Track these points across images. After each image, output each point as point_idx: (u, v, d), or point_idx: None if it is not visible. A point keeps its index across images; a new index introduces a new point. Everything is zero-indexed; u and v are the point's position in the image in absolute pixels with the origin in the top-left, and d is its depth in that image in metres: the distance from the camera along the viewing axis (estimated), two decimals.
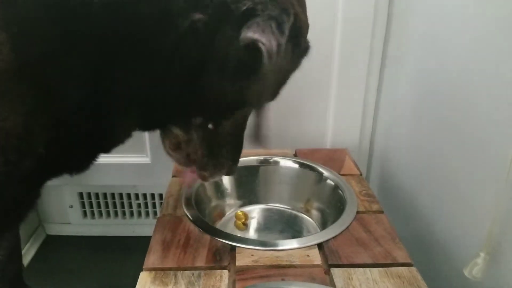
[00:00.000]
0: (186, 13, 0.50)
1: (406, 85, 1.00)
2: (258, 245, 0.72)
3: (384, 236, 0.75)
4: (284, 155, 1.01)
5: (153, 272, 0.67)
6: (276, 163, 1.00)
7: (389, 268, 0.67)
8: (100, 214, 1.35)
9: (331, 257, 0.69)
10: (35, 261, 1.26)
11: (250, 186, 0.98)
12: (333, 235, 0.75)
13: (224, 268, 0.67)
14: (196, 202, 0.85)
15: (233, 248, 0.72)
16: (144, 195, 1.32)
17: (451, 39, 0.78)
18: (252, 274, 0.66)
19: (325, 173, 0.95)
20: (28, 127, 0.47)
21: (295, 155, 1.04)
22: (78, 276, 1.19)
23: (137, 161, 1.20)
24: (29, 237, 1.29)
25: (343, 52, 1.08)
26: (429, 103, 0.87)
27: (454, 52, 0.77)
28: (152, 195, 1.32)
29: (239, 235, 0.81)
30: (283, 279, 0.65)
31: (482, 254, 0.62)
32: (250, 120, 0.63)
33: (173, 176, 0.95)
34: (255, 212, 0.96)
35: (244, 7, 0.50)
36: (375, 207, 0.83)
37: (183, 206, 0.83)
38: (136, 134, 0.65)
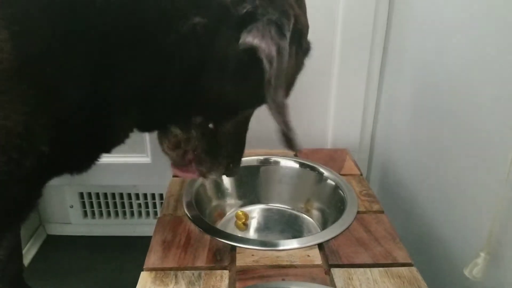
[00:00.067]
0: (186, 16, 0.51)
1: (406, 85, 0.99)
2: (258, 245, 0.72)
3: (384, 236, 0.75)
4: (284, 155, 1.01)
5: (154, 272, 0.67)
6: (277, 163, 1.00)
7: (390, 268, 0.67)
8: (101, 214, 1.35)
9: (332, 257, 0.69)
10: (35, 261, 1.26)
11: (251, 186, 0.98)
12: (334, 235, 0.75)
13: (224, 268, 0.67)
14: (196, 202, 0.85)
15: (233, 248, 0.72)
16: (145, 195, 1.32)
17: (451, 39, 0.78)
18: (252, 274, 0.66)
19: (326, 173, 0.95)
20: (29, 126, 0.47)
21: (295, 155, 1.04)
22: (79, 276, 1.19)
23: (137, 161, 1.20)
24: (29, 237, 1.29)
25: (343, 52, 1.08)
26: (430, 103, 0.87)
27: (454, 52, 0.77)
28: (153, 195, 1.32)
29: (239, 235, 0.82)
30: (283, 279, 0.65)
31: (482, 254, 0.62)
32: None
33: (173, 176, 0.95)
34: (255, 212, 0.96)
35: (244, 10, 0.51)
36: (375, 207, 0.83)
37: (184, 206, 0.83)
38: (137, 134, 0.65)
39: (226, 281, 0.65)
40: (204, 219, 0.80)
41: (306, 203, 0.95)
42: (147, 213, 1.35)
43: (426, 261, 0.83)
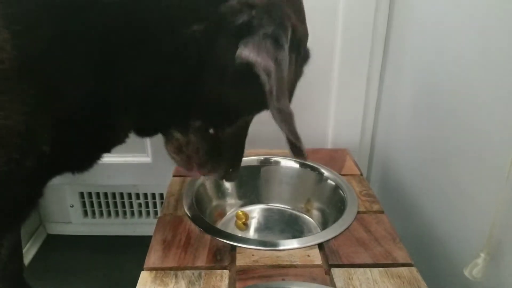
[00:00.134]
0: (186, 23, 0.52)
1: (406, 85, 1.00)
2: (258, 245, 0.72)
3: (384, 236, 0.75)
4: (284, 155, 1.01)
5: (154, 271, 0.67)
6: (277, 163, 1.00)
7: (390, 268, 0.67)
8: (101, 213, 1.35)
9: (332, 257, 0.69)
10: (36, 260, 1.26)
11: (251, 186, 0.98)
12: (334, 235, 0.75)
13: (224, 268, 0.67)
14: (196, 201, 0.85)
15: (233, 248, 0.72)
16: (145, 195, 1.32)
17: (451, 39, 0.78)
18: (252, 274, 0.66)
19: (326, 173, 0.95)
20: (29, 126, 0.47)
21: None
22: (79, 276, 1.19)
23: (138, 160, 1.20)
24: (30, 237, 1.29)
25: (343, 52, 1.08)
26: (430, 103, 0.87)
27: (454, 52, 0.77)
28: (153, 195, 1.32)
29: (239, 235, 0.82)
30: (283, 279, 0.65)
31: (482, 255, 0.62)
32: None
33: (174, 176, 0.95)
34: (255, 212, 0.96)
35: (240, 21, 0.51)
36: (375, 207, 0.83)
37: (184, 206, 0.83)
38: None
39: (226, 281, 0.65)
40: (205, 219, 0.80)
41: (306, 203, 0.95)
42: (147, 213, 1.35)
43: (426, 261, 0.83)
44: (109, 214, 1.35)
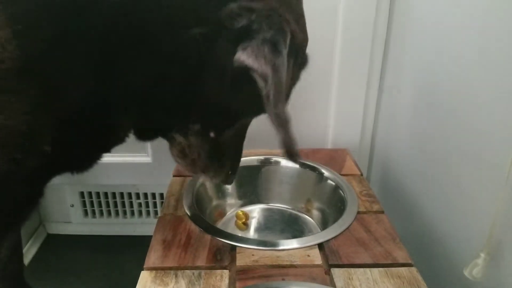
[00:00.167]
0: (187, 26, 0.52)
1: (407, 85, 1.00)
2: (258, 245, 0.72)
3: (384, 236, 0.75)
4: None
5: (154, 271, 0.67)
6: (277, 163, 1.00)
7: (390, 268, 0.67)
8: (101, 213, 1.35)
9: (332, 257, 0.69)
10: (36, 260, 1.26)
11: (251, 186, 0.98)
12: (334, 235, 0.75)
13: (224, 267, 0.67)
14: (197, 201, 0.86)
15: (233, 248, 0.72)
16: (145, 195, 1.32)
17: (452, 39, 0.78)
18: (252, 274, 0.66)
19: (326, 173, 0.95)
20: (31, 126, 0.48)
21: None
22: (79, 275, 1.19)
23: (138, 160, 1.20)
24: (30, 236, 1.29)
25: (344, 52, 1.08)
26: (430, 103, 0.87)
27: (455, 52, 0.77)
28: (153, 195, 1.32)
29: (239, 235, 0.82)
30: (283, 279, 0.65)
31: (482, 255, 0.62)
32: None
33: (174, 176, 0.95)
34: (255, 212, 0.96)
35: (240, 25, 0.51)
36: (375, 207, 0.83)
37: (184, 206, 0.83)
38: None
39: (226, 281, 0.65)
40: (205, 218, 0.80)
41: (307, 203, 0.95)
42: (148, 213, 1.35)
43: (426, 261, 0.83)
44: (109, 214, 1.35)
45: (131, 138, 0.66)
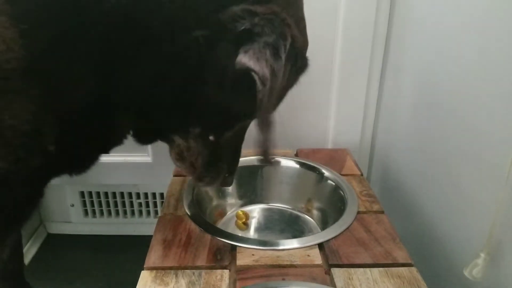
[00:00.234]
0: (188, 28, 0.52)
1: (407, 85, 1.00)
2: (258, 245, 0.72)
3: (384, 236, 0.75)
4: (285, 155, 1.01)
5: (154, 271, 0.67)
6: (277, 163, 1.00)
7: (390, 268, 0.67)
8: (101, 213, 1.35)
9: (332, 257, 0.69)
10: (36, 259, 1.26)
11: (251, 186, 0.98)
12: (334, 235, 0.75)
13: (224, 267, 0.68)
14: (197, 201, 0.86)
15: (233, 248, 0.72)
16: (145, 194, 1.32)
17: (452, 39, 0.78)
18: (252, 273, 0.66)
19: (326, 173, 0.95)
20: (35, 125, 0.48)
21: (296, 155, 1.04)
22: (79, 275, 1.19)
23: (138, 160, 1.20)
24: (30, 236, 1.29)
25: (344, 52, 1.08)
26: (430, 103, 0.87)
27: (455, 52, 0.77)
28: (153, 194, 1.32)
29: (240, 235, 0.82)
30: (283, 279, 0.65)
31: (482, 255, 0.62)
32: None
33: (174, 176, 0.95)
34: (256, 211, 0.96)
35: (242, 27, 0.51)
36: (375, 207, 0.83)
37: (184, 206, 0.83)
38: None
39: (226, 281, 0.65)
40: (205, 218, 0.80)
41: (307, 203, 0.95)
42: (148, 212, 1.35)
43: (426, 261, 0.83)
44: (109, 213, 1.35)
45: (130, 141, 0.66)
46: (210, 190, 0.93)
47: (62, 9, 0.47)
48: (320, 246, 0.73)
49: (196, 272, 0.66)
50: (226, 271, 0.67)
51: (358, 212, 0.81)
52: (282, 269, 0.67)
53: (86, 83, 0.52)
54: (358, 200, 0.85)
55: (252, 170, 0.99)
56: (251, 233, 0.89)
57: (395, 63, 1.07)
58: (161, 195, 1.30)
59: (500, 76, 0.64)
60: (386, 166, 1.15)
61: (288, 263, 0.68)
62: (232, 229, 0.88)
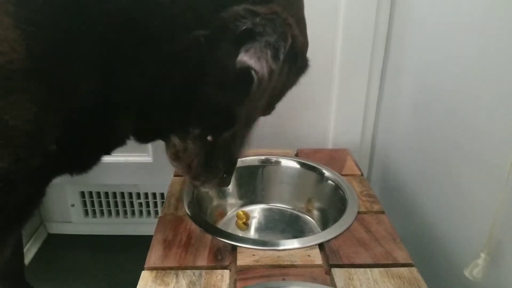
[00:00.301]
0: (189, 28, 0.52)
1: (407, 85, 1.00)
2: (259, 245, 0.72)
3: (385, 237, 0.75)
4: (285, 155, 1.01)
5: (154, 271, 0.67)
6: (278, 163, 1.00)
7: (390, 268, 0.67)
8: (102, 213, 1.35)
9: (332, 257, 0.70)
10: (36, 259, 1.26)
11: (252, 186, 0.98)
12: (334, 235, 0.75)
13: (225, 267, 0.68)
14: (197, 201, 0.86)
15: (234, 248, 0.72)
16: (146, 194, 1.32)
17: (452, 39, 0.78)
18: (253, 273, 0.66)
19: (326, 173, 0.95)
20: (37, 125, 0.48)
21: (296, 155, 1.04)
22: (79, 275, 1.19)
23: (139, 160, 1.20)
24: (30, 236, 1.29)
25: (344, 52, 1.08)
26: (431, 103, 0.87)
27: (455, 52, 0.77)
28: (154, 195, 1.32)
29: (240, 235, 0.82)
30: (284, 279, 0.65)
31: (482, 255, 0.62)
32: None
33: (174, 176, 0.95)
34: (256, 211, 0.96)
35: (243, 27, 0.52)
36: (376, 207, 0.84)
37: (185, 206, 0.83)
38: None
39: (227, 281, 0.65)
40: (205, 218, 0.81)
41: (307, 203, 0.95)
42: (148, 212, 1.35)
43: (426, 262, 0.83)
44: (109, 213, 1.35)
45: (132, 140, 0.66)
46: (210, 190, 0.93)
47: (63, 10, 0.47)
48: (321, 246, 0.73)
49: (197, 272, 0.66)
50: (227, 271, 0.67)
51: (359, 212, 0.81)
52: (282, 269, 0.67)
53: (86, 84, 0.52)
54: (359, 200, 0.85)
55: (252, 170, 0.99)
56: (252, 233, 0.89)
57: (395, 63, 1.07)
58: (162, 195, 1.30)
59: (500, 76, 0.64)
60: (386, 166, 1.15)
61: (289, 263, 0.68)
62: (233, 229, 0.88)
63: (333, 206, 0.89)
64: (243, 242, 0.73)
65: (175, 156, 0.67)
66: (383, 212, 0.82)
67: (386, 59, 1.10)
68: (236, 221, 0.90)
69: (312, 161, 0.99)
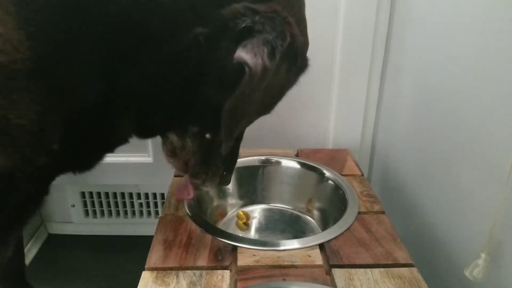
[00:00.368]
0: (188, 26, 0.52)
1: (408, 86, 1.00)
2: (259, 245, 0.72)
3: (385, 237, 0.75)
4: (285, 155, 1.01)
5: (155, 271, 0.67)
6: (278, 163, 1.00)
7: (390, 268, 0.67)
8: (102, 213, 1.35)
9: (333, 257, 0.70)
10: (37, 260, 1.26)
11: (252, 186, 0.98)
12: (335, 235, 0.75)
13: (225, 268, 0.68)
14: (197, 201, 0.86)
15: (234, 248, 0.72)
16: (146, 195, 1.32)
17: (453, 39, 0.78)
18: (253, 274, 0.66)
19: (327, 173, 0.95)
20: (41, 125, 0.48)
21: (296, 155, 1.04)
22: (80, 275, 1.19)
23: (139, 160, 1.20)
24: (31, 236, 1.29)
25: (345, 52, 1.08)
26: (431, 104, 0.87)
27: (455, 52, 0.77)
28: (154, 195, 1.32)
29: (240, 235, 0.82)
30: (284, 279, 0.65)
31: (483, 255, 0.62)
32: None
33: (175, 176, 0.95)
34: (256, 212, 0.96)
35: (243, 25, 0.52)
36: (376, 207, 0.84)
37: (185, 206, 0.83)
38: None
39: (227, 281, 0.65)
40: (205, 218, 0.81)
41: (307, 203, 0.95)
42: (149, 213, 1.35)
43: (427, 262, 0.83)
44: (110, 214, 1.35)
45: (133, 138, 0.66)
46: (210, 190, 0.93)
47: (63, 10, 0.47)
48: (321, 246, 0.73)
49: (197, 272, 0.67)
50: (227, 272, 0.67)
51: (359, 213, 0.81)
52: (283, 270, 0.67)
53: (86, 84, 0.52)
54: (359, 200, 0.85)
55: (252, 170, 0.99)
56: (252, 234, 0.89)
57: (395, 63, 1.07)
58: (162, 195, 1.30)
59: (500, 76, 0.64)
60: (386, 166, 1.15)
61: (289, 263, 0.68)
62: (233, 230, 0.88)
63: (334, 206, 0.89)
64: (244, 243, 0.73)
65: (172, 153, 0.67)
66: (383, 212, 0.82)
67: (386, 59, 1.10)
68: (237, 221, 0.91)
69: (313, 161, 0.99)
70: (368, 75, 1.11)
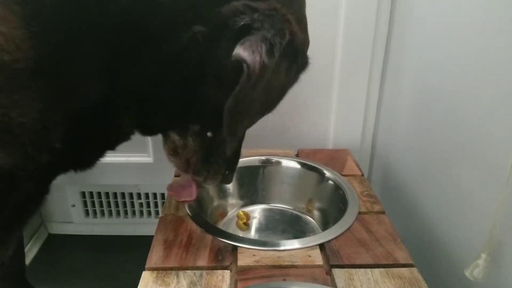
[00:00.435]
0: (187, 25, 0.52)
1: (408, 86, 1.00)
2: (259, 245, 0.72)
3: (385, 237, 0.75)
4: (286, 155, 1.01)
5: (155, 271, 0.67)
6: (278, 163, 1.00)
7: (390, 268, 0.67)
8: (102, 213, 1.35)
9: (333, 257, 0.70)
10: (37, 260, 1.26)
11: (252, 186, 0.98)
12: (335, 235, 0.75)
13: (226, 268, 0.68)
14: (198, 201, 0.86)
15: (235, 248, 0.72)
16: (146, 195, 1.32)
17: (453, 39, 0.78)
18: (253, 274, 0.66)
19: (327, 173, 0.95)
20: (44, 123, 0.48)
21: (297, 155, 1.04)
22: (80, 275, 1.19)
23: (139, 160, 1.20)
24: (31, 236, 1.29)
25: (345, 52, 1.08)
26: (431, 104, 0.87)
27: (455, 52, 0.77)
28: (154, 195, 1.32)
29: (241, 235, 0.82)
30: (284, 279, 0.65)
31: (483, 255, 0.62)
32: None
33: (175, 176, 0.95)
34: (256, 212, 0.96)
35: (242, 23, 0.52)
36: (376, 207, 0.84)
37: (185, 206, 0.83)
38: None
39: (227, 281, 0.65)
40: (206, 218, 0.81)
41: (308, 203, 0.95)
42: (149, 213, 1.35)
43: (427, 262, 0.83)
44: (110, 214, 1.35)
45: (133, 138, 0.66)
46: (211, 190, 0.93)
47: (63, 10, 0.48)
48: (321, 246, 0.73)
49: (197, 272, 0.67)
50: (227, 272, 0.67)
51: (359, 213, 0.81)
52: (283, 270, 0.67)
53: (86, 84, 0.52)
54: (359, 200, 0.85)
55: (253, 171, 0.99)
56: (252, 234, 0.89)
57: (395, 63, 1.07)
58: (162, 195, 1.30)
59: (500, 76, 0.64)
60: (386, 167, 1.15)
61: (289, 263, 0.68)
62: (233, 230, 0.88)
63: (334, 207, 0.89)
64: (244, 243, 0.73)
65: (173, 152, 0.67)
66: (383, 213, 0.82)
67: (387, 59, 1.10)
68: (237, 222, 0.91)
69: (313, 162, 0.99)
70: (368, 75, 1.11)
